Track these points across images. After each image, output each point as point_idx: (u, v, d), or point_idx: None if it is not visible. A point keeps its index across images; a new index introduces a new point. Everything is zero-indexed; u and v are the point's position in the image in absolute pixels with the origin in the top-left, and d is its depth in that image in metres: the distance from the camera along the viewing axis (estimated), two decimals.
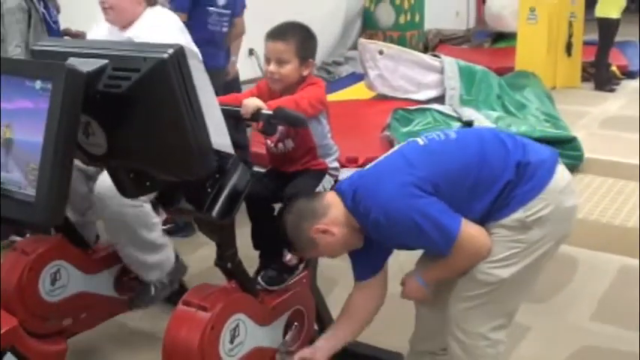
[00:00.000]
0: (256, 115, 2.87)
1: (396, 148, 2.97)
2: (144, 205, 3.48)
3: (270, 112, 2.87)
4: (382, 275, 3.04)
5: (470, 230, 2.73)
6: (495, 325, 2.91)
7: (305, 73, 3.18)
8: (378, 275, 3.02)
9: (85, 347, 3.74)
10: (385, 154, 2.93)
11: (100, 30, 3.82)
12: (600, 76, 9.98)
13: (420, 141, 2.86)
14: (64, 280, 3.45)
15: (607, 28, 9.77)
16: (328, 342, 3.07)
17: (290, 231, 2.87)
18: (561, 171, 2.86)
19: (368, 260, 3.01)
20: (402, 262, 3.13)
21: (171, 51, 2.25)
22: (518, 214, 2.74)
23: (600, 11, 9.80)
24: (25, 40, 4.60)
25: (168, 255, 3.71)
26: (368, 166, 2.91)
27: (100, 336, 3.84)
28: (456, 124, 6.47)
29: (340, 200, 2.85)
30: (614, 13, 9.72)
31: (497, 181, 2.73)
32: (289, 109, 2.94)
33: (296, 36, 3.15)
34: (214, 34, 5.24)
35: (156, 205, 3.40)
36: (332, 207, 2.84)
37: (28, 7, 4.68)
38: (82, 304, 3.55)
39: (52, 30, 4.90)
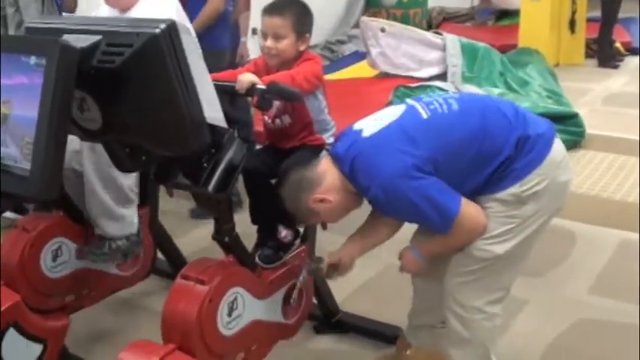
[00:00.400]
0: (251, 90, 2.88)
1: (396, 112, 2.87)
2: None
3: (264, 87, 2.89)
4: None
5: (468, 209, 2.75)
6: (492, 299, 2.95)
7: (301, 48, 3.19)
8: None
9: (87, 323, 3.77)
10: (384, 119, 2.85)
11: (100, 13, 3.83)
12: (604, 52, 9.94)
13: (423, 113, 2.81)
14: (65, 257, 3.48)
15: (609, 4, 9.72)
16: (354, 246, 3.11)
17: (289, 204, 2.90)
18: (558, 145, 2.88)
19: None
20: (399, 237, 3.15)
21: (163, 26, 2.28)
22: (515, 189, 2.77)
23: None
24: None
25: (132, 217, 3.64)
26: (365, 131, 2.83)
27: (102, 312, 3.88)
28: None
29: (335, 166, 2.86)
30: None
31: (497, 156, 2.75)
32: (283, 83, 2.95)
33: (293, 11, 3.17)
34: None
35: None
36: (327, 174, 2.85)
37: None
38: (83, 281, 3.58)
39: (59, 10, 4.97)
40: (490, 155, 2.76)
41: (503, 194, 2.78)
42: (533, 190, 2.77)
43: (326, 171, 2.86)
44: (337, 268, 3.14)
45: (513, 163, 2.76)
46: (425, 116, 2.81)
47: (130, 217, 3.63)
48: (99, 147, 3.22)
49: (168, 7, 3.63)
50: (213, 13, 5.00)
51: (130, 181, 3.57)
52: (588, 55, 10.15)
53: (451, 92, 3.17)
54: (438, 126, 2.79)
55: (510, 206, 2.79)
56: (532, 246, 2.96)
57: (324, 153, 3.28)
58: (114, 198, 3.53)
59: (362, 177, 2.77)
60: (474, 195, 2.81)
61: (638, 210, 5.11)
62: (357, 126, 2.90)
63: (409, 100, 2.95)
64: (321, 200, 2.84)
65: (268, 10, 3.20)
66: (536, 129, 2.83)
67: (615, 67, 9.78)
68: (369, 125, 2.86)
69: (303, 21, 3.20)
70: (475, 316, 2.95)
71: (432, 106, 2.84)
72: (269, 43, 3.16)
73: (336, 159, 2.87)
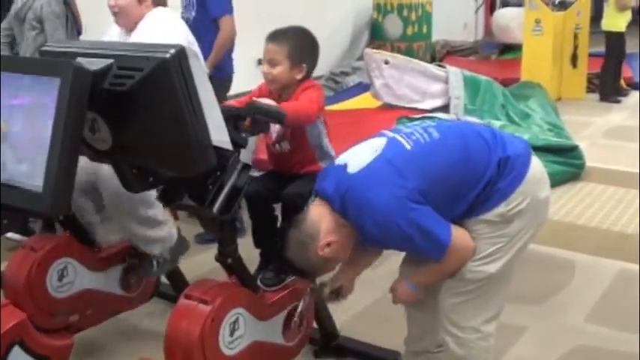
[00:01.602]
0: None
1: (378, 146, 2.85)
2: None
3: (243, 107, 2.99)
4: None
5: (457, 234, 2.80)
6: (487, 317, 3.00)
7: (298, 77, 3.28)
8: None
9: (90, 343, 3.82)
10: (367, 153, 2.83)
11: (111, 33, 3.95)
12: (605, 87, 10.04)
13: (406, 144, 2.82)
14: (71, 277, 3.54)
15: (613, 41, 9.84)
16: (351, 269, 3.18)
17: (302, 264, 2.91)
18: (535, 162, 2.95)
19: None
20: (396, 266, 3.22)
21: (173, 51, 2.36)
22: (500, 209, 2.83)
23: (606, 25, 9.87)
24: None
25: (169, 231, 3.80)
26: (350, 167, 2.82)
27: (106, 332, 3.92)
28: None
29: (326, 205, 2.85)
30: (620, 27, 9.78)
31: (481, 179, 2.81)
32: (262, 103, 3.03)
33: (290, 39, 3.28)
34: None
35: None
36: (322, 219, 2.84)
37: (67, 13, 4.86)
38: (88, 301, 3.64)
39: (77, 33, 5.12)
40: (474, 178, 2.82)
41: (489, 215, 2.85)
42: (517, 208, 2.84)
43: (319, 216, 2.84)
44: (339, 293, 3.20)
45: (496, 183, 2.83)
46: (408, 147, 2.82)
47: (168, 234, 3.79)
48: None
49: (170, 26, 3.74)
50: (228, 41, 5.10)
51: (154, 210, 3.68)
52: (590, 90, 10.25)
53: (428, 121, 3.18)
54: (422, 156, 2.81)
55: (497, 226, 2.86)
56: (519, 259, 3.01)
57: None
58: (146, 226, 3.68)
59: (354, 214, 2.79)
60: (462, 218, 2.86)
61: (638, 241, 5.16)
62: (339, 161, 2.91)
63: (388, 132, 2.93)
64: (328, 244, 2.82)
65: (268, 37, 3.32)
66: (514, 149, 2.90)
67: (618, 101, 9.86)
68: (353, 160, 2.85)
69: (300, 50, 3.29)
70: (471, 335, 3.00)
71: (413, 137, 2.85)
72: (265, 68, 3.28)
73: (325, 198, 2.86)
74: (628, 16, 9.88)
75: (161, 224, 3.73)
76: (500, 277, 2.93)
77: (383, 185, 2.74)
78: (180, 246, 3.91)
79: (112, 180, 3.32)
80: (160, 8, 3.85)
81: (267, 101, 3.06)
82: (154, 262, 3.77)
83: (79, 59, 2.45)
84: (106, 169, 3.14)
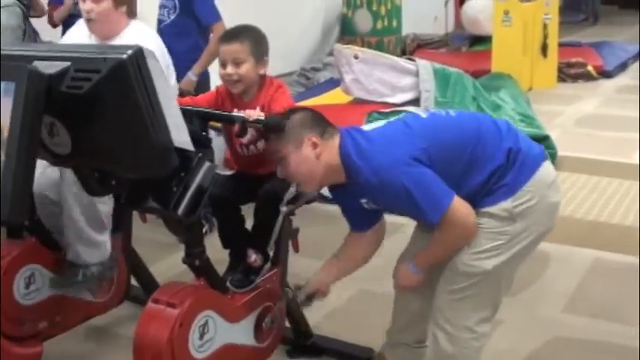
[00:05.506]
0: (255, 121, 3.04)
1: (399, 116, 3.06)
2: None
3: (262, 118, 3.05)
4: (379, 225, 3.11)
5: (460, 204, 2.78)
6: (482, 317, 2.99)
7: (261, 71, 3.28)
8: (372, 230, 3.10)
9: (60, 350, 3.76)
10: (384, 121, 3.01)
11: (79, 36, 3.85)
12: None
13: (422, 115, 2.98)
14: (38, 284, 3.49)
15: None
16: (329, 274, 3.17)
17: (290, 122, 2.89)
18: (549, 166, 2.97)
19: (359, 216, 3.07)
20: (372, 264, 3.19)
21: (130, 52, 2.32)
22: (507, 204, 2.83)
23: None
24: None
25: (106, 243, 3.66)
26: (368, 127, 2.98)
27: (76, 338, 3.86)
28: None
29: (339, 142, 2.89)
30: None
31: (490, 163, 2.82)
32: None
33: (249, 36, 3.29)
34: None
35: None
36: (334, 137, 2.89)
37: (24, 26, 4.78)
38: (57, 308, 3.58)
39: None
40: (482, 160, 2.83)
41: (494, 208, 2.84)
42: (524, 206, 2.84)
43: (335, 136, 2.89)
44: (313, 297, 3.17)
45: (504, 176, 2.83)
46: (424, 116, 2.97)
47: (104, 243, 3.65)
48: None
49: (150, 40, 3.68)
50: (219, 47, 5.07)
51: (107, 208, 3.59)
52: (560, 79, 10.28)
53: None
54: (436, 127, 2.91)
55: (501, 222, 2.84)
56: (518, 265, 3.01)
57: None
58: (91, 224, 3.55)
59: (358, 158, 2.81)
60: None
61: (638, 235, 5.12)
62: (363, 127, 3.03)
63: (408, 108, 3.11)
64: (314, 145, 2.84)
65: (226, 38, 3.31)
66: (527, 145, 2.93)
67: None
68: (373, 125, 3.02)
69: (260, 45, 3.31)
70: (465, 334, 2.98)
71: (432, 111, 3.02)
72: (229, 69, 3.24)
73: (341, 136, 2.91)
74: None
75: (104, 229, 3.62)
76: (497, 276, 2.91)
77: (393, 139, 2.84)
78: (110, 267, 3.69)
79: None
80: (139, 22, 3.79)
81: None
82: (80, 273, 3.57)
83: (36, 63, 2.40)
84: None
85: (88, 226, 3.55)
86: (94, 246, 3.60)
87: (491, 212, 2.84)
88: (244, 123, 3.04)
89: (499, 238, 2.85)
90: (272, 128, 2.95)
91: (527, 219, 2.86)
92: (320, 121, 2.93)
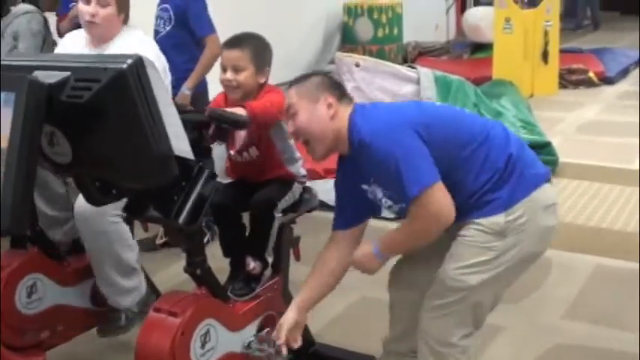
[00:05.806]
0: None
1: None
2: (122, 222, 3.52)
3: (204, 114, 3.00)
4: (356, 233, 3.06)
5: (441, 192, 2.72)
6: (465, 333, 2.96)
7: (261, 80, 3.27)
8: (352, 230, 3.05)
9: (61, 358, 3.76)
10: None
11: (74, 46, 3.83)
12: None
13: (437, 103, 3.08)
14: (40, 293, 3.48)
15: None
16: (304, 301, 3.09)
17: (313, 79, 2.99)
18: (550, 189, 2.93)
19: (349, 209, 3.05)
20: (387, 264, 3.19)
21: (130, 61, 2.32)
22: (499, 218, 2.79)
23: None
24: None
25: (141, 281, 3.71)
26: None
27: (78, 348, 3.86)
28: None
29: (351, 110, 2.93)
30: None
31: (490, 165, 2.80)
32: (220, 109, 3.06)
33: (251, 44, 3.27)
34: None
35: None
36: (349, 105, 2.93)
37: (44, 33, 4.80)
38: (58, 317, 3.58)
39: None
40: (482, 161, 2.80)
41: (486, 221, 2.81)
42: (516, 222, 2.80)
43: (350, 104, 2.94)
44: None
45: (500, 188, 2.79)
46: (438, 104, 3.17)
47: (139, 284, 3.71)
48: (105, 227, 3.41)
49: (144, 47, 3.68)
50: (214, 59, 5.06)
51: (132, 253, 3.63)
52: (562, 86, 10.29)
53: None
54: (447, 115, 2.99)
55: (490, 236, 2.81)
56: (505, 285, 2.98)
57: (296, 185, 3.33)
58: (123, 274, 3.60)
59: (360, 118, 2.85)
60: (459, 217, 2.79)
61: (638, 240, 5.13)
62: None
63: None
64: (329, 105, 2.88)
65: (227, 44, 3.30)
66: (531, 159, 2.91)
67: None
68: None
69: (261, 54, 3.30)
70: (450, 350, 2.96)
71: (446, 104, 3.08)
72: (228, 75, 3.24)
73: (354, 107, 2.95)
74: None
75: (135, 272, 3.66)
76: (482, 293, 2.88)
77: (399, 109, 2.96)
78: (149, 299, 3.73)
79: (96, 217, 3.36)
80: (136, 28, 3.80)
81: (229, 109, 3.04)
82: (122, 317, 3.66)
83: (36, 72, 2.40)
84: (88, 205, 2.96)
85: (120, 276, 3.60)
86: (130, 292, 3.67)
87: (482, 224, 2.81)
88: (216, 123, 3.03)
89: (487, 254, 2.82)
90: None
91: (517, 237, 2.81)
92: (339, 87, 3.01)
